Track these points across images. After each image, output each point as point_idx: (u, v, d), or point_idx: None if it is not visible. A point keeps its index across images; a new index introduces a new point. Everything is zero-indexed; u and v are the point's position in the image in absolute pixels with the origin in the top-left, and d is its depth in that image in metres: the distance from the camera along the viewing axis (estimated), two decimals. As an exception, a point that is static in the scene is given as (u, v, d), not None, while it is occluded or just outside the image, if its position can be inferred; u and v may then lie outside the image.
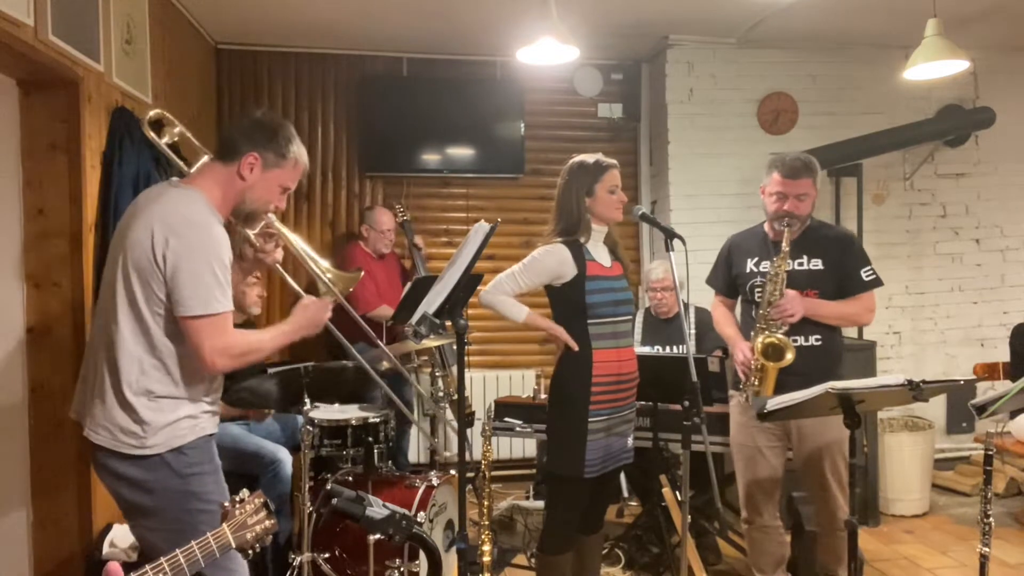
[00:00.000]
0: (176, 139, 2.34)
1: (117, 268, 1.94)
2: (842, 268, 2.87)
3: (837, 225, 3.06)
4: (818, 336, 2.85)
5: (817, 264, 2.88)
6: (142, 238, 1.90)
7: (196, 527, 1.92)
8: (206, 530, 1.95)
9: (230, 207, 2.05)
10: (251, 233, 2.15)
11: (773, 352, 2.78)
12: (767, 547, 3.01)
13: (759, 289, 2.88)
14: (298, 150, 2.08)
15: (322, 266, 2.29)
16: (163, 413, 1.93)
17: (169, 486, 1.94)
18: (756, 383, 2.81)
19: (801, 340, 2.83)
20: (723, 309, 3.15)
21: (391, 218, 4.60)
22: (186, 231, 1.89)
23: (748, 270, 2.97)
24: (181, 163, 2.34)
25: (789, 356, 2.75)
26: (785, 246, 2.80)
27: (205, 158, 2.15)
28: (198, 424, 2.00)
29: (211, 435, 2.06)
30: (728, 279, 3.10)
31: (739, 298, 3.09)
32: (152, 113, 2.39)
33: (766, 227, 2.97)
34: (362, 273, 2.59)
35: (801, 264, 2.88)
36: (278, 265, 2.25)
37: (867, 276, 2.87)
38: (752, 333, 2.87)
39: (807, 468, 2.89)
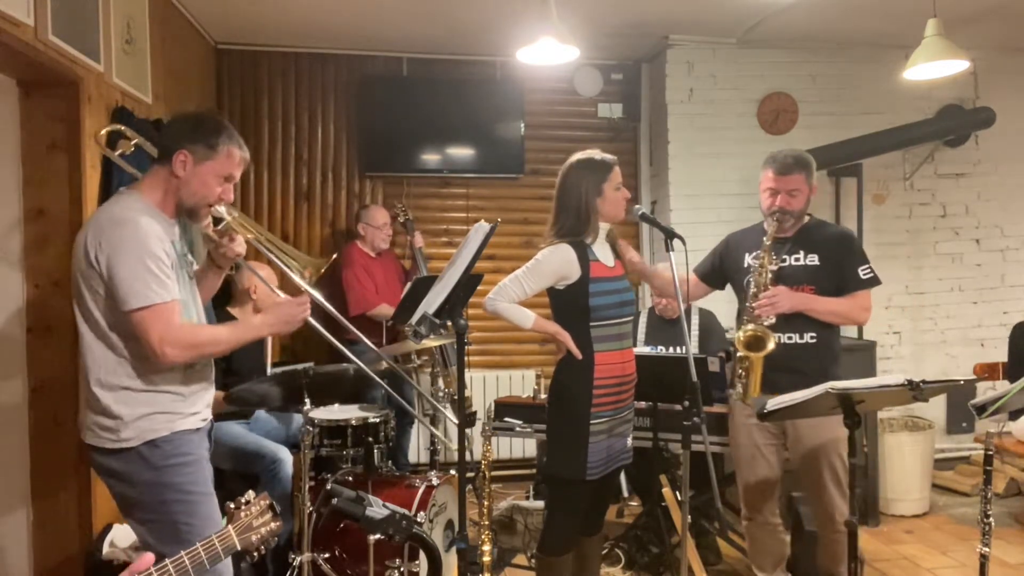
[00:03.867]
0: (132, 150, 2.44)
1: (72, 277, 2.05)
2: (839, 266, 2.86)
3: (837, 224, 3.02)
4: (813, 334, 2.84)
5: (813, 260, 2.87)
6: (79, 244, 2.00)
7: (174, 517, 2.01)
8: (184, 520, 2.01)
9: (173, 205, 2.09)
10: (209, 230, 2.22)
11: (754, 343, 2.77)
12: (767, 545, 3.02)
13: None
14: (228, 141, 2.09)
15: (290, 255, 2.34)
16: (134, 407, 2.00)
17: (145, 478, 2.00)
18: (744, 375, 2.79)
19: (796, 337, 2.83)
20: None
21: (385, 213, 4.62)
22: (112, 230, 1.96)
23: (746, 264, 2.96)
24: (134, 171, 2.40)
25: (770, 345, 2.73)
26: (767, 240, 2.81)
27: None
28: (174, 419, 2.05)
29: (193, 430, 2.10)
30: (714, 267, 3.11)
31: (740, 294, 3.05)
32: (107, 129, 2.49)
33: (766, 224, 2.96)
34: (333, 256, 2.63)
35: (798, 259, 2.88)
36: (254, 265, 2.29)
37: (864, 274, 2.86)
38: (738, 325, 2.86)
39: (804, 469, 2.89)
